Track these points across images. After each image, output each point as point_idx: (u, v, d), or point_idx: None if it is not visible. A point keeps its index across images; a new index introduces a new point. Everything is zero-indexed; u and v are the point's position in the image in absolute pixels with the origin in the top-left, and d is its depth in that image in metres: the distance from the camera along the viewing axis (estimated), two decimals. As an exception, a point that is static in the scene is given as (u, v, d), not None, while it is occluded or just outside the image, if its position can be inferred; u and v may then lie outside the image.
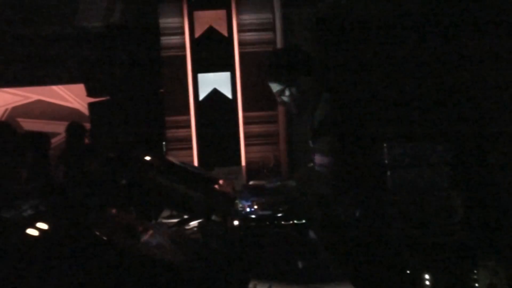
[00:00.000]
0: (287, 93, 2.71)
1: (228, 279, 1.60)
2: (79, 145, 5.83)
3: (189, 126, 5.03)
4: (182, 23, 5.05)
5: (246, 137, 5.05)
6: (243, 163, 4.99)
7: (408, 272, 4.11)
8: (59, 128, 8.09)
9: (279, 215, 2.59)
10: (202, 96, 5.05)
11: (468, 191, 4.72)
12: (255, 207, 2.71)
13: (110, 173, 2.52)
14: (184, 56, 5.05)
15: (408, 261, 4.22)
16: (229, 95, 5.05)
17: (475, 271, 4.09)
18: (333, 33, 5.25)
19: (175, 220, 2.78)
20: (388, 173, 4.61)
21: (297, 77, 2.68)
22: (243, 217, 2.59)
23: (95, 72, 6.61)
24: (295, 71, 2.69)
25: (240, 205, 2.79)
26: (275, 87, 2.73)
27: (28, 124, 8.42)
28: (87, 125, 6.22)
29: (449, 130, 4.96)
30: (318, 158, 2.58)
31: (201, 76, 5.05)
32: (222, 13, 5.06)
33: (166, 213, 3.15)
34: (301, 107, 2.74)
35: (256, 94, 4.96)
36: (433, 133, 4.93)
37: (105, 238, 1.47)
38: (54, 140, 8.27)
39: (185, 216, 2.63)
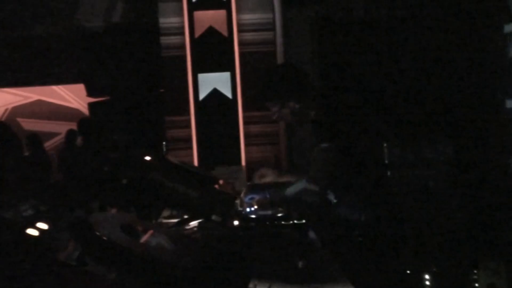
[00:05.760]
0: (284, 111, 2.73)
1: (228, 279, 1.60)
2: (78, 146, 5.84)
3: (189, 126, 5.03)
4: (182, 23, 5.05)
5: (246, 137, 5.04)
6: (243, 163, 4.99)
7: (408, 272, 4.11)
8: (59, 128, 8.10)
9: (279, 215, 2.59)
10: (202, 96, 5.05)
11: (468, 191, 4.72)
12: (255, 207, 2.71)
13: (110, 173, 2.52)
14: (184, 56, 5.05)
15: (408, 261, 4.21)
16: (229, 95, 5.05)
17: (475, 271, 4.09)
18: (333, 33, 5.26)
19: (175, 220, 2.78)
20: (388, 173, 4.61)
21: (292, 97, 2.70)
22: (243, 217, 2.59)
23: (95, 72, 6.62)
24: (290, 91, 2.70)
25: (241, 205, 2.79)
26: (271, 106, 2.75)
27: (28, 124, 8.42)
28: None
29: (449, 130, 4.96)
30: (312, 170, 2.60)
31: (201, 76, 5.05)
32: (222, 13, 5.06)
33: (166, 213, 3.15)
34: (300, 120, 2.77)
35: (256, 94, 4.96)
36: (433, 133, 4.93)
37: (105, 238, 1.47)
38: (54, 140, 8.28)
39: (185, 216, 2.62)
